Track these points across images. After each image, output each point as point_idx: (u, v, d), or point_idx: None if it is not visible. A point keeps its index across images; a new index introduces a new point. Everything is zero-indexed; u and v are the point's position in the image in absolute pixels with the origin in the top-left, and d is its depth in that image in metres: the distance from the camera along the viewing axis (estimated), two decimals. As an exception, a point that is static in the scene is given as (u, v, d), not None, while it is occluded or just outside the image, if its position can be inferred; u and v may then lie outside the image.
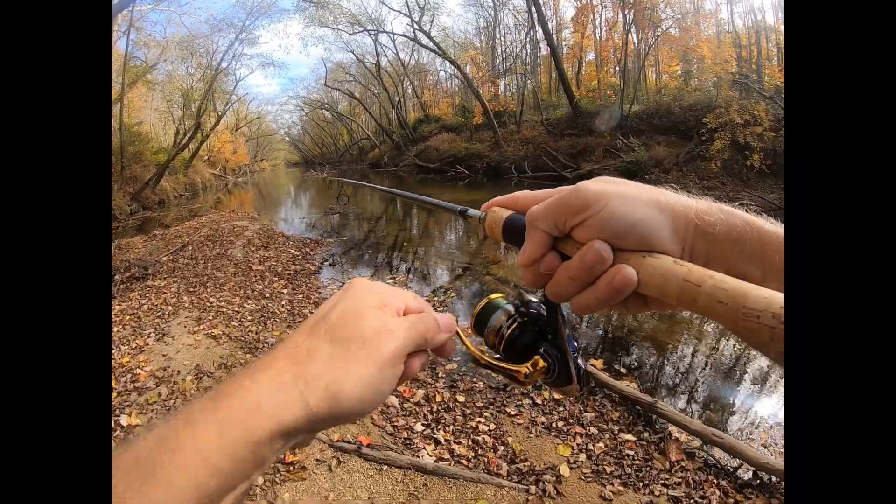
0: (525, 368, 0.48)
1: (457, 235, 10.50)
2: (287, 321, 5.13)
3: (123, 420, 3.48)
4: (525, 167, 21.12)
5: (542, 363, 0.48)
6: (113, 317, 5.43)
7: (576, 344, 0.50)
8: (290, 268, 7.33)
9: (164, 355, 4.40)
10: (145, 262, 7.31)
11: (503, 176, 21.63)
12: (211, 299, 5.80)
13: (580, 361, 0.50)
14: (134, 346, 4.63)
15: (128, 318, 5.36)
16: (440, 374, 4.03)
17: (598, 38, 27.27)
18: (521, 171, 21.01)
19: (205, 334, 4.78)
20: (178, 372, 4.10)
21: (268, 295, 5.97)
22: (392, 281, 6.66)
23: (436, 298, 5.94)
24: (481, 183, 21.05)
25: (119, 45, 19.69)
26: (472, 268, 7.55)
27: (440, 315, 0.48)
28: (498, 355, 0.52)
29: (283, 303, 5.68)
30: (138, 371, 4.12)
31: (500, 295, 0.54)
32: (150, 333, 4.85)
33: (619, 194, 0.40)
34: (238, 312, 5.35)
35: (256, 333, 4.80)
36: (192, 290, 6.25)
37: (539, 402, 3.57)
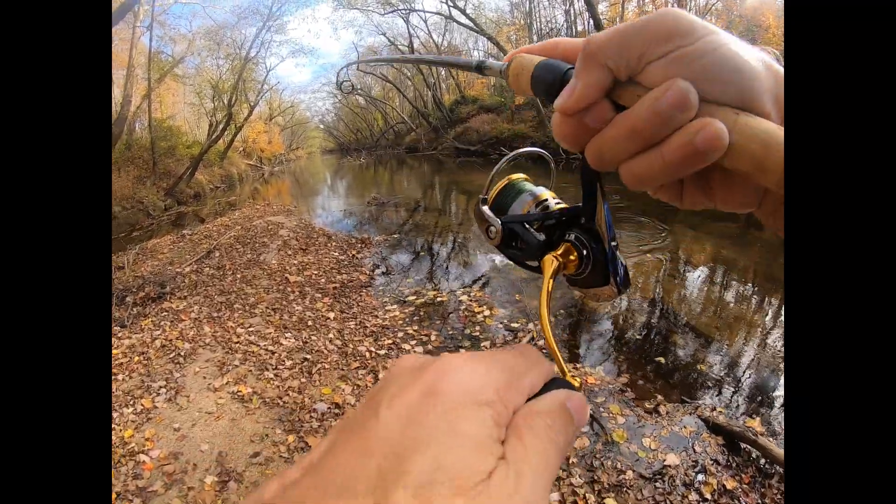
0: (550, 259, 0.39)
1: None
2: (339, 367, 3.74)
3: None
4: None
5: (573, 253, 0.39)
6: (120, 356, 4.19)
7: (614, 233, 0.38)
8: (336, 278, 5.93)
9: (175, 429, 3.10)
10: (163, 278, 6.03)
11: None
12: (238, 331, 4.46)
13: (619, 257, 0.39)
14: (139, 409, 3.35)
15: (136, 358, 4.08)
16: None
17: (639, 11, 25.45)
18: (571, 153, 19.34)
19: (230, 394, 3.43)
20: (195, 466, 2.78)
21: (310, 322, 4.59)
22: (467, 297, 5.20)
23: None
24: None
25: (143, 41, 19.30)
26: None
27: (571, 397, 0.29)
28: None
29: (331, 335, 4.29)
30: (143, 458, 2.83)
31: (523, 176, 0.47)
32: (160, 388, 3.55)
33: (719, 31, 0.28)
34: (273, 353, 3.98)
35: (299, 392, 3.43)
36: (215, 315, 4.92)
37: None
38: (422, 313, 4.85)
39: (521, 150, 0.51)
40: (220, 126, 21.52)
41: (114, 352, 4.37)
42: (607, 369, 3.68)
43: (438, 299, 5.18)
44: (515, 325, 4.36)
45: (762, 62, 0.29)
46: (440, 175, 19.77)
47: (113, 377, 3.91)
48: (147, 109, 18.52)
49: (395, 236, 8.49)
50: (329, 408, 3.25)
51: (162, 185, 17.14)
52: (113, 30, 14.72)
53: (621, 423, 3.01)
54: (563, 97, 0.32)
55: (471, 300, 5.05)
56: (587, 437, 2.91)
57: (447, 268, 6.81)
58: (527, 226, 0.44)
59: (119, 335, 4.65)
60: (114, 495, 2.60)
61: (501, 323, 4.47)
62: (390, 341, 4.18)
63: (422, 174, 22.09)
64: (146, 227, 12.77)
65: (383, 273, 6.39)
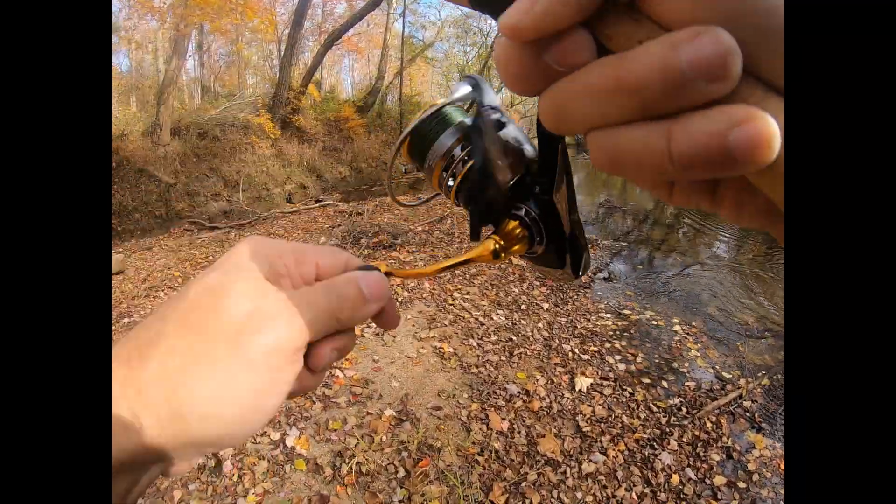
0: (492, 243, 0.33)
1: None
2: (539, 357, 3.66)
3: (290, 439, 2.61)
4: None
5: (519, 230, 0.33)
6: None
7: (576, 207, 0.32)
8: (557, 271, 5.84)
9: (374, 360, 3.41)
10: (396, 231, 6.66)
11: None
12: (455, 294, 4.69)
13: (581, 237, 0.32)
14: None
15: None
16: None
17: None
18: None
19: (432, 347, 3.63)
20: (380, 397, 3.02)
21: (523, 306, 4.58)
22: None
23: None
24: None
25: (396, 26, 21.46)
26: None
27: (365, 274, 0.33)
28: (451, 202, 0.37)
29: (541, 325, 4.21)
30: (338, 373, 3.18)
31: (449, 107, 0.38)
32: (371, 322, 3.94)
33: None
34: (482, 325, 4.09)
35: (496, 368, 3.44)
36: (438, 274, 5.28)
37: None
38: (633, 331, 4.47)
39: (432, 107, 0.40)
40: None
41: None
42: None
43: (654, 322, 4.73)
44: (727, 375, 3.71)
45: None
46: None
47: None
48: (398, 85, 20.47)
49: (622, 244, 7.97)
50: (519, 392, 3.19)
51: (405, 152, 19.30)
52: (370, 15, 16.66)
53: None
54: (516, 10, 0.19)
55: (686, 333, 4.47)
56: None
57: (669, 292, 6.12)
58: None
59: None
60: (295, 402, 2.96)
61: (713, 368, 3.85)
62: (595, 349, 3.93)
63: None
64: (383, 187, 14.35)
65: (605, 279, 6.05)
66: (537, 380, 3.36)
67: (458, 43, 25.81)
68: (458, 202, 0.38)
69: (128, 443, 0.25)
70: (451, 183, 0.37)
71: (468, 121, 0.37)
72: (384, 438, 2.71)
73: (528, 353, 3.68)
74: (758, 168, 0.18)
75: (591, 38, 0.19)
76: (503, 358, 3.58)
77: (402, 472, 2.54)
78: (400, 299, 4.48)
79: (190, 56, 17.17)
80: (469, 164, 0.36)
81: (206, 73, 20.92)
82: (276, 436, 2.66)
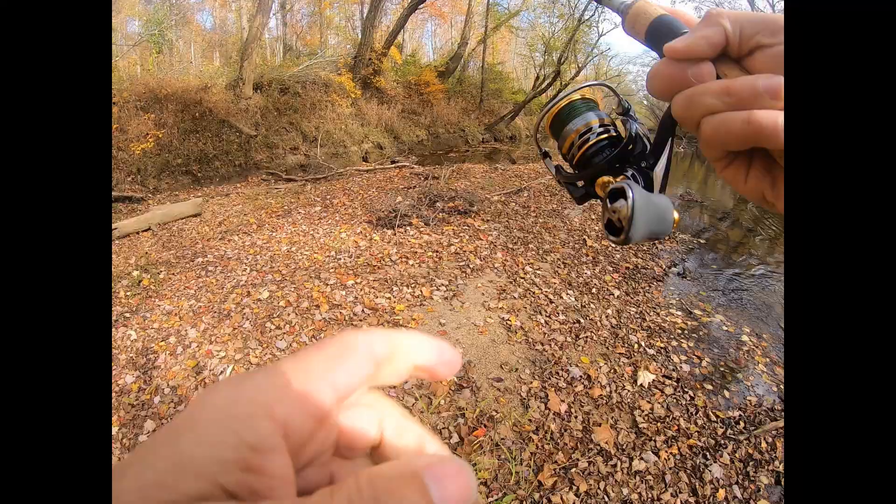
0: (604, 181, 0.44)
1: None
2: (605, 344, 3.53)
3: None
4: None
5: (615, 182, 0.41)
6: (416, 247, 4.78)
7: (665, 188, 0.43)
8: (631, 259, 5.59)
9: (441, 323, 3.40)
10: (473, 198, 6.58)
11: None
12: (527, 268, 4.61)
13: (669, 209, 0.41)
14: (417, 294, 3.78)
15: (430, 254, 4.60)
16: None
17: None
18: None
19: (500, 318, 3.58)
20: None
21: (594, 290, 4.43)
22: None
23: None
24: None
25: None
26: None
27: (433, 466, 0.19)
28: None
29: (609, 311, 4.05)
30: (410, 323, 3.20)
31: (589, 98, 0.51)
32: (440, 285, 3.93)
33: None
34: (551, 302, 3.99)
35: (560, 348, 3.35)
36: (510, 246, 5.21)
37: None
38: (701, 333, 4.23)
39: (580, 85, 0.52)
40: (547, 81, 22.28)
41: (411, 241, 4.99)
42: None
43: (724, 327, 4.46)
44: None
45: None
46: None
47: (405, 261, 4.48)
48: (481, 53, 20.33)
49: (699, 240, 7.55)
50: (581, 376, 3.10)
51: (483, 121, 19.06)
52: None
53: None
54: (676, 41, 0.34)
55: (755, 345, 4.18)
56: None
57: (742, 298, 5.75)
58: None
59: (421, 230, 5.28)
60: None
61: (777, 387, 3.59)
62: (662, 345, 3.75)
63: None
64: (462, 152, 14.27)
65: (679, 274, 5.76)
66: (600, 367, 3.25)
67: (544, 14, 24.97)
68: (573, 165, 0.49)
69: None
70: (581, 149, 0.48)
71: (606, 111, 0.50)
72: (442, 402, 2.71)
73: (594, 339, 3.56)
74: (774, 143, 0.30)
75: (713, 67, 0.34)
76: (569, 339, 3.48)
77: (455, 438, 2.54)
78: (471, 266, 4.45)
79: (273, 14, 17.55)
80: (600, 137, 0.48)
81: (288, 32, 21.38)
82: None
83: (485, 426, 2.59)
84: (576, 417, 2.75)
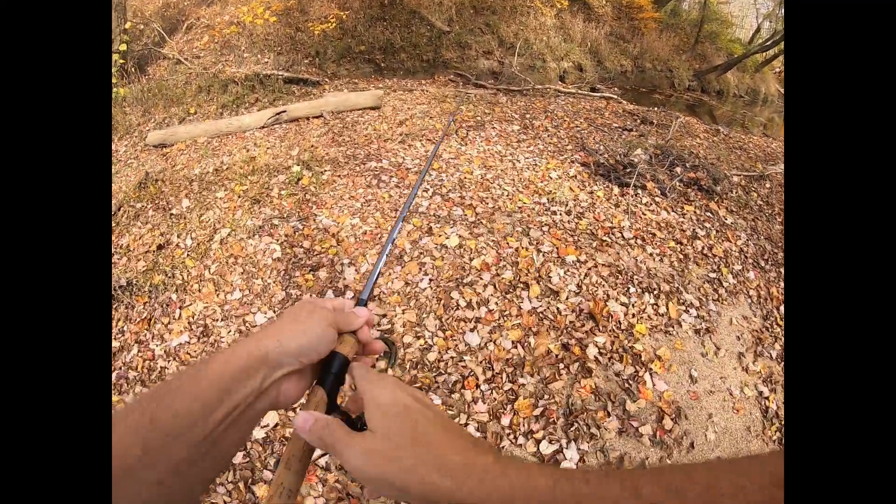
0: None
1: None
2: None
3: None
4: None
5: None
6: (653, 225, 3.56)
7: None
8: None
9: (692, 376, 2.29)
10: (715, 175, 4.76)
11: None
12: (783, 308, 3.20)
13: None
14: (662, 310, 2.66)
15: (671, 244, 3.36)
16: None
17: None
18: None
19: (756, 392, 2.35)
20: (691, 446, 2.00)
21: None
22: None
23: None
24: None
25: None
26: None
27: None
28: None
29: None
30: (646, 378, 2.17)
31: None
32: (690, 305, 2.76)
33: None
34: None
35: None
36: (762, 263, 3.60)
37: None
38: None
39: None
40: (770, 40, 18.58)
41: (647, 215, 3.76)
42: None
43: None
44: None
45: None
46: None
47: (641, 246, 3.30)
48: None
49: None
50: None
51: (693, 65, 16.10)
52: None
53: None
54: None
55: None
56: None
57: None
58: None
59: (658, 201, 4.00)
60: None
61: None
62: None
63: None
64: (666, 95, 12.22)
65: None
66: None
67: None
68: None
69: (257, 352, 0.45)
70: None
71: None
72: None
73: None
74: None
75: None
76: None
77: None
78: (724, 283, 3.13)
79: None
80: None
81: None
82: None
83: None
84: None
